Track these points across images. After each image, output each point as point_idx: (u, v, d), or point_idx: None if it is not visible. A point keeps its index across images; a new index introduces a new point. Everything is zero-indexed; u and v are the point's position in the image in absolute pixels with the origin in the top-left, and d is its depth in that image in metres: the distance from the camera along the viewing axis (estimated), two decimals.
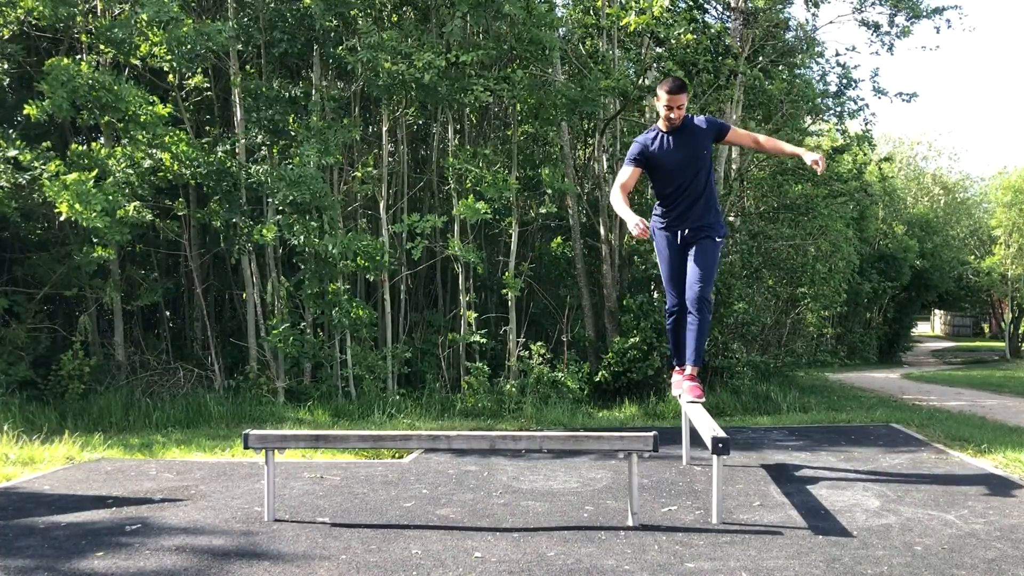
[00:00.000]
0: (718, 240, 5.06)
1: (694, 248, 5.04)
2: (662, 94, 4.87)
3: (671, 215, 5.10)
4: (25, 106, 8.65)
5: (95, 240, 8.93)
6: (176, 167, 9.32)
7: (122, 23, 8.97)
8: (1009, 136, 78.37)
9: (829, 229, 14.50)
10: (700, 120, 5.07)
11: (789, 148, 5.16)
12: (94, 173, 8.61)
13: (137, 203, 8.97)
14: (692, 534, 3.83)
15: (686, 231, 5.06)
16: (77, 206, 8.12)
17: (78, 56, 9.44)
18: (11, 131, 9.46)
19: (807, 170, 12.51)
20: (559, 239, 11.97)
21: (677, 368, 5.28)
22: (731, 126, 5.12)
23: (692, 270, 5.02)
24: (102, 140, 9.73)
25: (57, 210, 8.31)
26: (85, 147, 9.37)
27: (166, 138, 9.08)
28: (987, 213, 33.72)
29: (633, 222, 4.64)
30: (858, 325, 27.22)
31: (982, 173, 38.65)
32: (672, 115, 4.85)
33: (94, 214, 8.13)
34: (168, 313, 11.26)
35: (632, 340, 10.13)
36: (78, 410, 8.66)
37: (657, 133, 5.02)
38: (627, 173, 5.04)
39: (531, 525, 4.02)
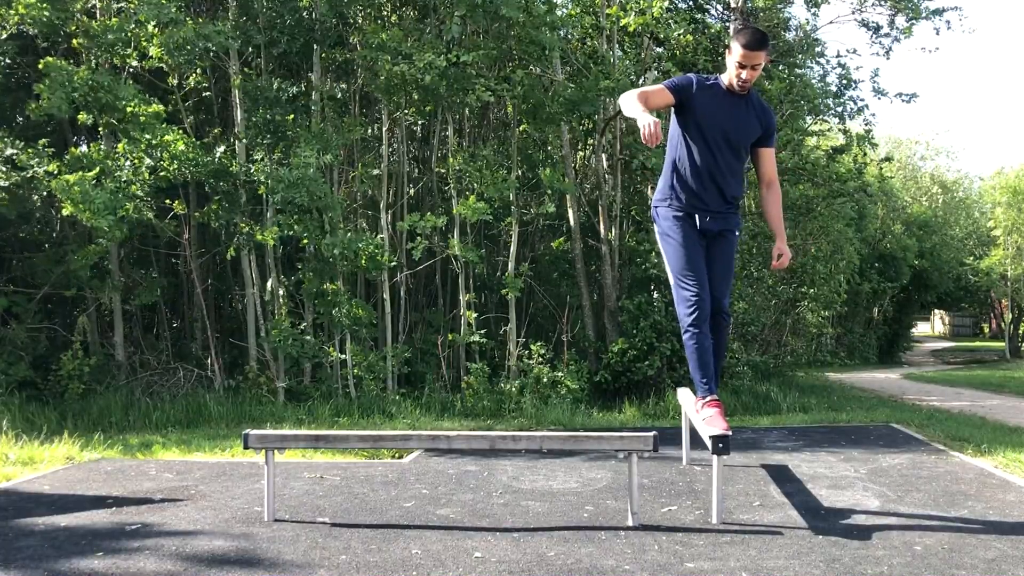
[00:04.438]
0: (738, 235, 4.28)
1: (716, 247, 4.16)
2: (737, 47, 3.90)
3: (696, 193, 4.09)
4: (28, 103, 8.67)
5: (99, 239, 8.94)
6: (174, 167, 9.32)
7: (116, 27, 8.96)
8: (1006, 135, 78.43)
9: (829, 229, 14.52)
10: (762, 102, 4.19)
11: (780, 225, 4.26)
12: (95, 171, 8.62)
13: (137, 202, 8.97)
14: (692, 534, 3.83)
15: (707, 219, 4.11)
16: (80, 205, 8.14)
17: (76, 57, 9.42)
18: (9, 131, 9.45)
19: (807, 170, 12.54)
20: (561, 240, 11.98)
21: (699, 396, 4.23)
22: (774, 146, 4.26)
23: (714, 276, 4.14)
24: (103, 144, 9.71)
25: (63, 209, 8.34)
26: (84, 149, 9.37)
27: (164, 138, 9.09)
28: (983, 214, 33.77)
29: (646, 120, 3.62)
30: (858, 325, 27.25)
31: (980, 172, 38.81)
32: (744, 75, 3.93)
33: (97, 213, 8.15)
34: (168, 313, 11.26)
35: (632, 340, 10.13)
36: (78, 410, 8.66)
37: (717, 84, 4.07)
38: (658, 91, 4.01)
39: (531, 525, 4.02)
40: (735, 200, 4.18)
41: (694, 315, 4.02)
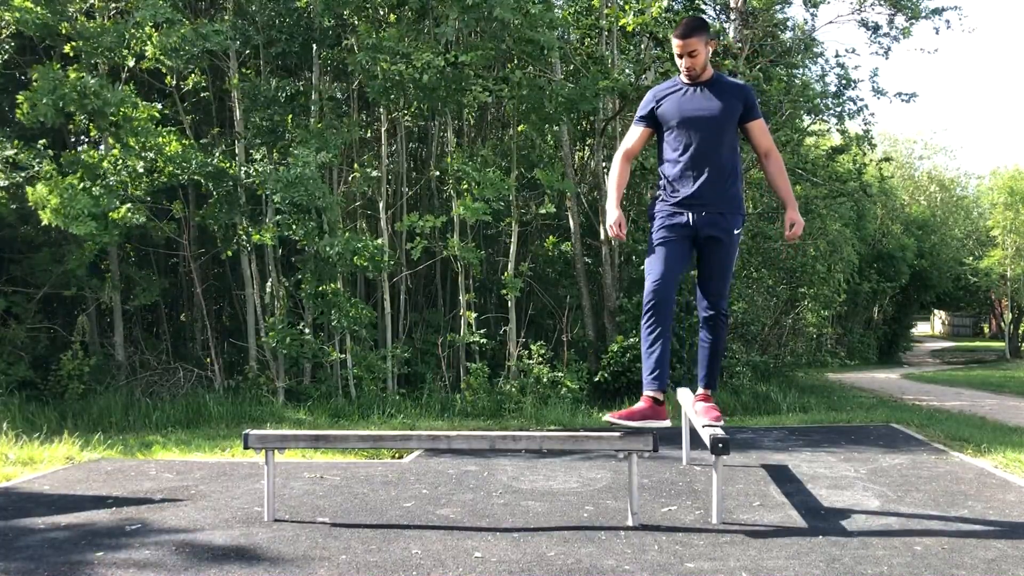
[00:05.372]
0: (736, 234, 4.14)
1: (710, 250, 4.13)
2: (673, 40, 4.07)
3: (682, 190, 4.07)
4: (17, 110, 8.64)
5: (85, 243, 8.92)
6: (169, 168, 9.28)
7: (111, 28, 8.93)
8: (1004, 132, 78.42)
9: (827, 229, 14.51)
10: (734, 81, 4.21)
11: (787, 194, 4.24)
12: (77, 175, 8.56)
13: (130, 204, 8.94)
14: (692, 534, 3.83)
15: (701, 214, 4.05)
16: (61, 211, 8.05)
17: (75, 60, 9.38)
18: (9, 131, 9.44)
19: (806, 170, 12.54)
20: (552, 237, 11.97)
21: (645, 396, 4.14)
22: (762, 118, 4.19)
23: (707, 278, 4.18)
24: (101, 147, 9.68)
25: (41, 217, 8.25)
26: (78, 150, 9.32)
27: (158, 139, 9.04)
28: (980, 215, 33.79)
29: (611, 218, 4.03)
30: (858, 325, 27.25)
31: (978, 171, 38.75)
32: (685, 63, 4.03)
33: (78, 220, 8.06)
34: (168, 313, 11.26)
35: (632, 340, 10.13)
36: (78, 410, 8.66)
37: (677, 83, 4.17)
38: (634, 135, 4.21)
39: (531, 525, 4.02)
40: (727, 194, 4.08)
41: (648, 303, 4.08)
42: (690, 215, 4.05)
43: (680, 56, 4.05)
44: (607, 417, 4.04)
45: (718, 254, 4.13)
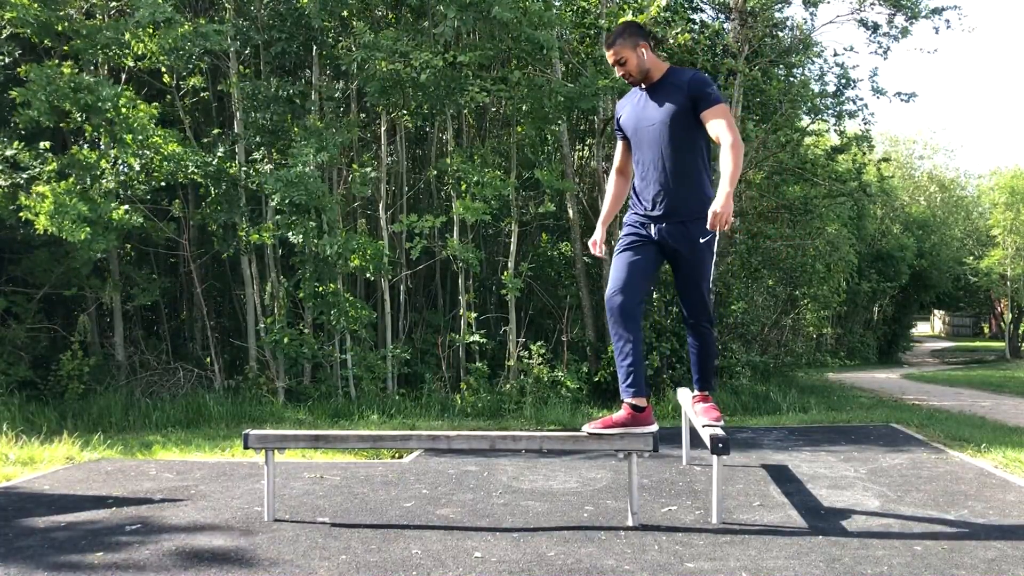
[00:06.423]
0: (703, 242, 3.90)
1: (677, 263, 4.02)
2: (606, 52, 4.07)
3: (643, 202, 4.00)
4: (13, 112, 8.62)
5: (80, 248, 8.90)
6: (166, 168, 9.25)
7: (108, 25, 8.92)
8: (1003, 132, 78.38)
9: (826, 229, 14.50)
10: (684, 75, 3.96)
11: (725, 177, 3.67)
12: (69, 181, 8.53)
13: (126, 206, 8.92)
14: (692, 534, 3.83)
15: (663, 226, 3.93)
16: (56, 217, 8.02)
17: (74, 59, 9.36)
18: (9, 131, 9.44)
19: (805, 169, 12.54)
20: (545, 235, 11.95)
21: (624, 404, 3.95)
22: (719, 103, 3.82)
23: (681, 290, 4.09)
24: (101, 145, 9.67)
25: (36, 225, 8.22)
26: (75, 150, 9.31)
27: (155, 139, 9.02)
28: (981, 216, 33.79)
29: (593, 237, 4.26)
30: (857, 325, 27.25)
31: (978, 170, 38.79)
32: (618, 72, 3.99)
33: (73, 226, 8.04)
34: (168, 313, 11.26)
35: None
36: (78, 410, 8.66)
37: (635, 90, 4.14)
38: (617, 149, 4.26)
39: (531, 525, 4.02)
40: (689, 202, 3.89)
41: (608, 313, 3.97)
42: (653, 228, 3.97)
43: (613, 65, 4.02)
44: (586, 428, 3.92)
45: (685, 266, 4.00)
